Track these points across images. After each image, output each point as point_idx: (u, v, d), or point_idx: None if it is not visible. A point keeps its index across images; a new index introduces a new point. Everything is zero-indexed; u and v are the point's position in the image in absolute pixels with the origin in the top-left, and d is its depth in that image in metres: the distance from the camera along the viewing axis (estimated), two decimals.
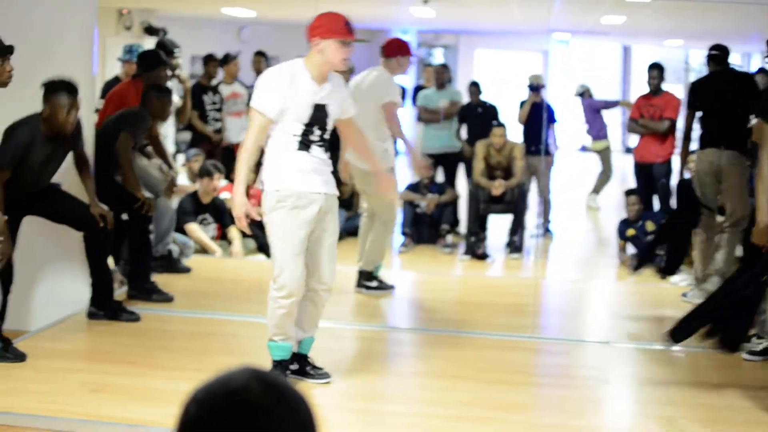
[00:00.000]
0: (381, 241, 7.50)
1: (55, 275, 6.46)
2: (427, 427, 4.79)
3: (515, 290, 8.43)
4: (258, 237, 8.52)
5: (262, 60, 11.77)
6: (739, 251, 7.36)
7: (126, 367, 5.50)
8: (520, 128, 10.82)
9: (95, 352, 6.01)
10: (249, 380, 1.51)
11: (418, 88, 12.02)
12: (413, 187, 10.53)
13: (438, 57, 19.27)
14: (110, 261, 6.76)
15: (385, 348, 6.37)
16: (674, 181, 9.60)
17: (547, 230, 11.00)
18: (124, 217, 7.04)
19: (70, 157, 6.10)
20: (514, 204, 9.92)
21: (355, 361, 5.81)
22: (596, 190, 13.13)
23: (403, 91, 10.54)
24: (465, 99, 11.26)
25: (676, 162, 9.53)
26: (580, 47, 21.43)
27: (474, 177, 10.00)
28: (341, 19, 5.06)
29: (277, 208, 4.97)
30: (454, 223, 10.65)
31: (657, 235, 8.33)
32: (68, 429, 4.63)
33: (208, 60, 10.81)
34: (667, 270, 7.72)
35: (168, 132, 8.73)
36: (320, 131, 5.06)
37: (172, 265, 7.97)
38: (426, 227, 10.36)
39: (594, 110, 13.25)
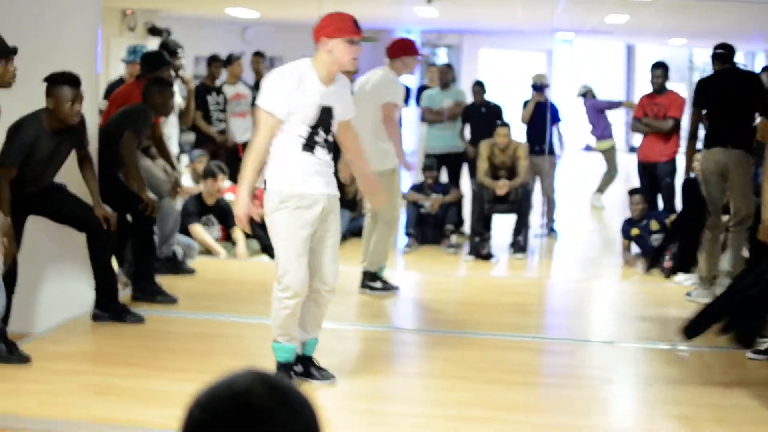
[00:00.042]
0: (384, 241, 7.49)
1: (60, 277, 6.45)
2: (432, 428, 4.79)
3: (520, 290, 8.42)
4: (262, 238, 8.51)
5: (260, 60, 11.78)
6: (744, 251, 7.36)
7: (130, 369, 5.50)
8: (524, 128, 10.83)
9: (99, 354, 6.01)
10: (253, 383, 1.51)
11: (422, 88, 12.02)
12: (417, 188, 10.53)
13: (442, 57, 19.26)
14: (114, 263, 6.76)
15: (389, 348, 6.37)
16: (679, 180, 9.59)
17: (551, 230, 11.00)
18: (128, 218, 7.04)
19: (74, 158, 6.11)
20: (518, 204, 9.92)
21: (359, 362, 5.81)
22: (601, 189, 13.13)
23: (408, 91, 10.54)
24: (469, 99, 11.25)
25: (680, 161, 9.53)
26: (584, 46, 21.42)
27: (478, 177, 10.00)
28: (348, 18, 5.06)
29: (279, 209, 4.97)
30: (459, 223, 10.65)
31: (667, 236, 8.36)
32: None
33: (212, 61, 10.81)
34: (679, 269, 7.73)
35: (172, 133, 8.73)
36: (325, 133, 5.05)
37: (176, 266, 7.97)
38: (430, 227, 10.35)
39: (597, 110, 13.24)
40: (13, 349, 5.48)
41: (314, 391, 5.10)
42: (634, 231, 9.41)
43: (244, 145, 10.65)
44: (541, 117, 10.57)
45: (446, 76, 11.20)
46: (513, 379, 5.54)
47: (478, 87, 11.10)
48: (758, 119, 7.43)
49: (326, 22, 5.06)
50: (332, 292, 5.23)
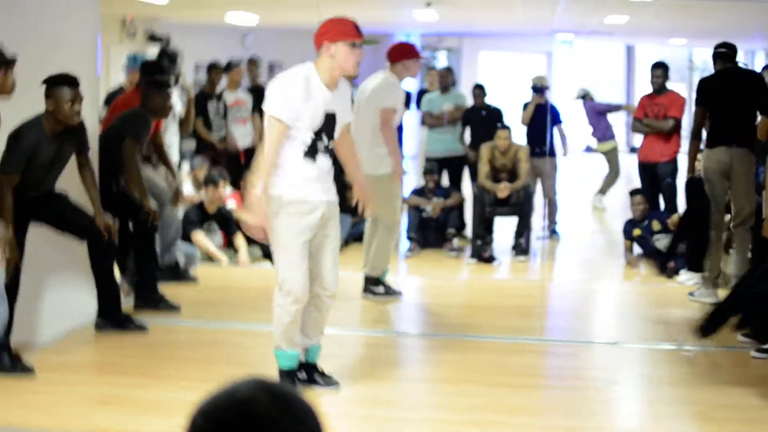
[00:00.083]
0: (385, 246, 7.48)
1: (62, 287, 6.45)
2: None
3: (522, 292, 8.42)
4: (263, 245, 8.50)
5: (254, 67, 11.77)
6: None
7: (133, 378, 5.50)
8: (524, 130, 10.82)
9: (103, 364, 6.00)
10: (255, 391, 1.51)
11: (422, 92, 12.02)
12: (418, 192, 10.53)
13: (442, 60, 19.27)
14: (116, 272, 6.75)
15: (393, 353, 6.36)
16: (679, 180, 9.59)
17: (553, 232, 11.00)
18: (130, 226, 7.04)
19: (75, 168, 6.11)
20: (519, 206, 9.91)
21: (361, 367, 5.80)
22: (602, 190, 13.13)
23: (408, 95, 10.54)
24: (469, 102, 11.25)
25: (680, 161, 9.53)
26: (584, 48, 21.44)
27: (479, 180, 10.00)
28: (349, 22, 5.06)
29: (279, 214, 4.96)
30: (460, 226, 10.65)
31: (675, 237, 8.38)
32: None
33: (212, 68, 10.81)
34: (690, 268, 7.70)
35: (172, 141, 8.73)
36: (327, 139, 5.04)
37: (178, 274, 7.96)
38: (432, 231, 10.35)
39: (597, 112, 13.23)
40: (16, 360, 5.48)
41: (318, 397, 5.09)
42: (636, 232, 9.40)
43: (246, 152, 10.67)
44: (542, 119, 10.57)
45: (446, 80, 11.21)
46: (517, 382, 5.54)
47: (479, 90, 11.11)
48: (759, 118, 7.44)
49: (327, 26, 5.06)
50: (333, 298, 5.23)
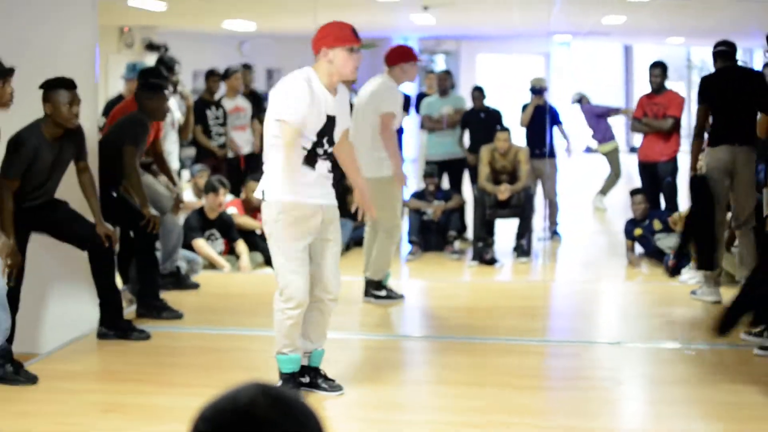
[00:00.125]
0: (386, 250, 7.47)
1: (64, 296, 6.45)
2: None
3: (524, 294, 8.42)
4: (265, 250, 8.50)
5: (248, 73, 11.78)
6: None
7: (136, 385, 5.50)
8: (524, 132, 10.83)
9: (106, 372, 6.01)
10: (256, 395, 1.51)
11: (420, 96, 12.02)
12: (419, 195, 10.53)
13: (440, 63, 19.27)
14: (118, 280, 6.75)
15: (396, 356, 6.36)
16: (680, 179, 9.59)
17: (554, 233, 11.00)
18: (131, 234, 7.04)
19: (75, 177, 6.10)
20: (520, 208, 9.92)
21: (364, 371, 5.80)
22: (603, 191, 13.12)
23: (407, 99, 10.55)
24: (468, 105, 11.26)
25: (680, 160, 9.53)
26: (582, 49, 21.43)
27: (479, 182, 10.00)
28: (347, 26, 5.06)
29: (278, 220, 4.95)
30: (461, 229, 10.65)
31: (684, 235, 8.37)
32: None
33: (210, 75, 10.82)
34: (700, 266, 7.72)
35: (172, 149, 8.74)
36: (328, 143, 5.04)
37: (180, 281, 7.96)
38: (433, 234, 10.35)
39: (596, 115, 13.22)
40: (19, 370, 5.47)
41: (321, 401, 5.09)
42: (637, 231, 9.41)
43: (246, 158, 10.68)
44: (541, 120, 10.58)
45: (445, 83, 11.22)
46: (520, 383, 5.53)
47: (478, 92, 11.11)
48: (759, 116, 7.43)
49: (325, 32, 5.06)
50: (335, 301, 5.23)
